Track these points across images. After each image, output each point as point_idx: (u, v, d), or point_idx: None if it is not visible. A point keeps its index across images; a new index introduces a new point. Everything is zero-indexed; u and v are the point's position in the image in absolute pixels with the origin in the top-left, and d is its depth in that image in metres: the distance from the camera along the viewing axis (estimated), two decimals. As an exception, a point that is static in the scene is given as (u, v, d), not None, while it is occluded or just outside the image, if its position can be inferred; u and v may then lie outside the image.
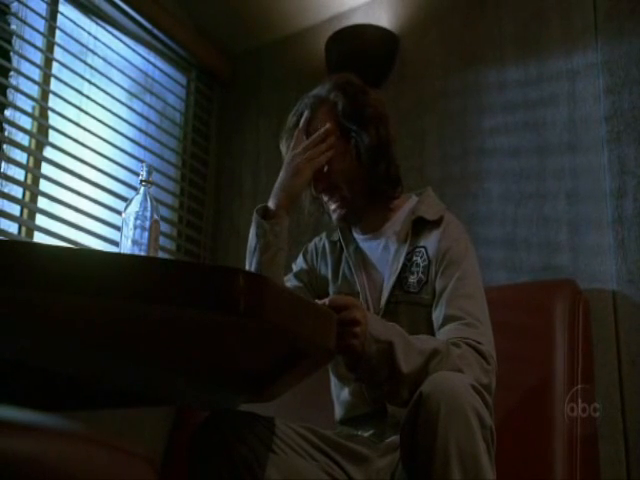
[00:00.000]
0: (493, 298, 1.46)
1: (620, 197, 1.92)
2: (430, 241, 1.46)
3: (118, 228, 2.38)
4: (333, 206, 1.53)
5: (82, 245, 2.23)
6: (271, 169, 2.68)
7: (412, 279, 1.43)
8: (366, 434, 1.44)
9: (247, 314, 0.83)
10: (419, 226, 1.48)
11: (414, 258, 1.45)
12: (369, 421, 1.45)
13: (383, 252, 1.51)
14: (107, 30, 2.51)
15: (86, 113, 2.33)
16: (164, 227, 2.40)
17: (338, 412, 1.54)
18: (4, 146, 2.10)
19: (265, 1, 2.67)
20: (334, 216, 1.54)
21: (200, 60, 2.88)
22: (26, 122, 2.18)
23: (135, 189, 2.42)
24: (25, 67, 2.19)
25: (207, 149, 2.94)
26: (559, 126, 2.08)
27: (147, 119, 2.65)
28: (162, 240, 2.47)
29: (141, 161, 2.50)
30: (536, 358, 1.71)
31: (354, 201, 1.51)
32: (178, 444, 2.20)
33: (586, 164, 2.01)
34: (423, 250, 1.45)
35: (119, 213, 2.39)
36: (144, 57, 2.69)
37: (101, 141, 2.37)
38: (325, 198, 1.54)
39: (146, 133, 2.62)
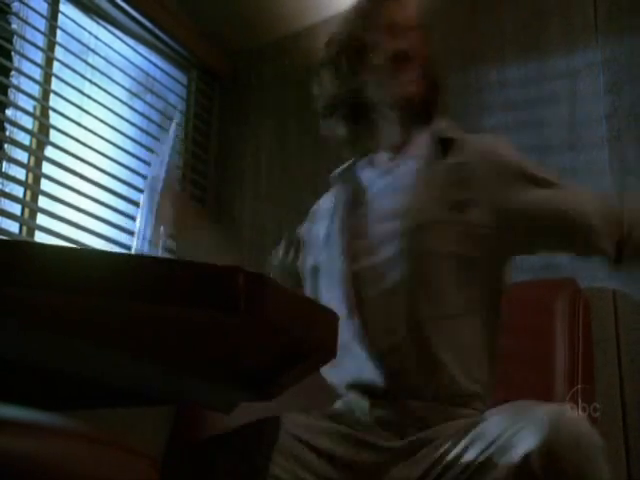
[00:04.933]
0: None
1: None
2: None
3: (119, 227, 2.38)
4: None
5: (83, 244, 2.24)
6: (271, 168, 2.69)
7: None
8: (375, 414, 1.27)
9: (247, 313, 0.84)
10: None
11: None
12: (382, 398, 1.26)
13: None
14: (108, 30, 2.52)
15: (87, 112, 2.33)
16: (165, 226, 2.40)
17: (341, 378, 1.36)
18: (5, 145, 2.10)
19: (266, 0, 2.67)
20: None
21: (201, 59, 2.88)
22: (27, 121, 2.18)
23: (136, 189, 2.43)
24: (26, 66, 2.19)
25: (207, 148, 2.94)
26: (560, 125, 2.09)
27: (148, 118, 2.64)
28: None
29: (142, 161, 2.51)
30: (536, 358, 1.71)
31: None
32: (178, 443, 2.21)
33: (587, 163, 2.01)
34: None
35: (120, 212, 2.39)
36: (145, 56, 2.69)
37: (102, 140, 2.37)
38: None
39: (147, 132, 2.62)
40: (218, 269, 0.86)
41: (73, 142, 2.26)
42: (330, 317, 1.09)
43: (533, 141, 2.12)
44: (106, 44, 2.49)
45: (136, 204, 2.22)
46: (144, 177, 2.46)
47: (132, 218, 2.37)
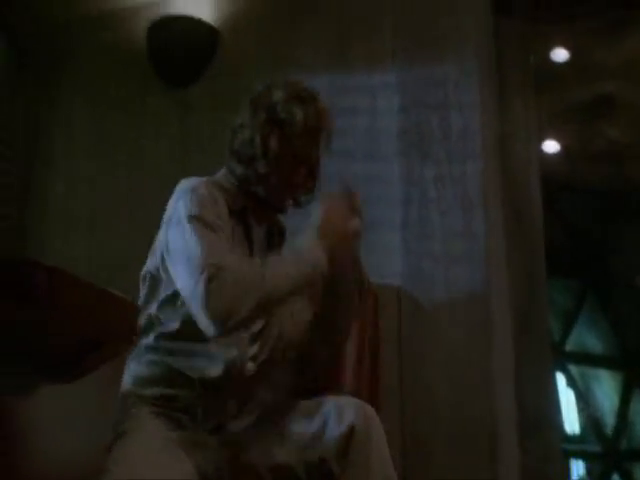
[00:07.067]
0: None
1: (407, 204, 2.15)
2: None
3: None
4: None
5: None
6: (85, 149, 2.64)
7: None
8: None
9: (45, 305, 0.88)
10: None
11: None
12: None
13: None
14: None
15: None
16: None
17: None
18: None
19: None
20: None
21: (8, 25, 2.73)
22: None
23: None
24: None
25: (15, 118, 2.78)
26: (359, 135, 2.27)
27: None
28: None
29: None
30: None
31: None
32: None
33: (380, 173, 2.22)
34: None
35: None
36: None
37: None
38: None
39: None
40: (16, 263, 0.89)
41: None
42: (128, 308, 1.16)
43: (335, 148, 2.28)
44: None
45: None
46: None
47: None
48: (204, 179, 1.49)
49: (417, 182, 2.17)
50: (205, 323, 1.27)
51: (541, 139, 4.42)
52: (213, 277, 1.25)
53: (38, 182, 2.76)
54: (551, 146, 4.94)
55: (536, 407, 2.31)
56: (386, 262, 2.14)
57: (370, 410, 1.37)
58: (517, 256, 2.47)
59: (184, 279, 1.32)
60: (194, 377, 1.41)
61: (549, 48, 4.19)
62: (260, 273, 1.30)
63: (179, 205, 1.41)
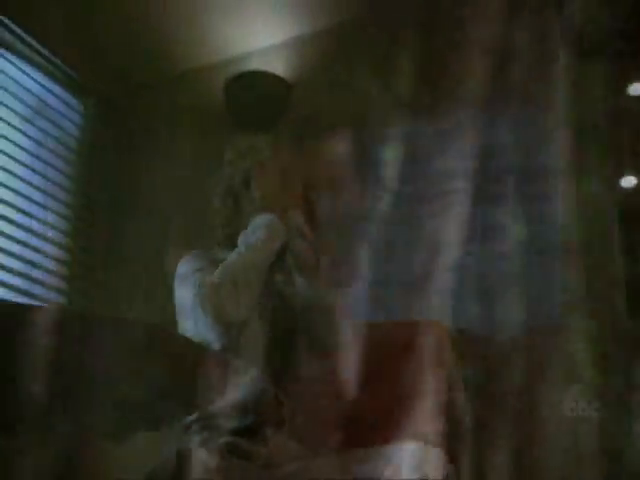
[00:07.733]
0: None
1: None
2: None
3: (11, 254, 2.35)
4: None
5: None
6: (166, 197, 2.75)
7: None
8: None
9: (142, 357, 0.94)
10: None
11: None
12: None
13: None
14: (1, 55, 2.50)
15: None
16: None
17: None
18: None
19: (165, 35, 2.72)
20: None
21: (98, 87, 2.89)
22: None
23: (28, 215, 2.43)
24: None
25: (103, 176, 2.93)
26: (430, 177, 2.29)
27: (40, 144, 2.63)
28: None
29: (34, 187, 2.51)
30: (402, 398, 1.80)
31: None
32: None
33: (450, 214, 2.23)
34: None
35: (13, 239, 2.37)
36: (38, 81, 2.67)
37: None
38: None
39: (38, 158, 2.61)
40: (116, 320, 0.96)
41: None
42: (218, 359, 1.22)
43: (406, 194, 2.31)
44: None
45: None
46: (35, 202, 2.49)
47: (26, 245, 2.37)
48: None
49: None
50: (213, 329, 1.38)
51: (619, 175, 4.36)
52: (205, 285, 1.39)
53: (122, 237, 2.87)
54: (629, 181, 4.87)
55: (622, 451, 2.24)
56: (448, 305, 2.13)
57: (444, 457, 1.37)
58: (595, 294, 2.42)
59: (189, 305, 1.42)
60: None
61: (626, 83, 4.13)
62: (237, 258, 1.46)
63: (179, 273, 1.53)
